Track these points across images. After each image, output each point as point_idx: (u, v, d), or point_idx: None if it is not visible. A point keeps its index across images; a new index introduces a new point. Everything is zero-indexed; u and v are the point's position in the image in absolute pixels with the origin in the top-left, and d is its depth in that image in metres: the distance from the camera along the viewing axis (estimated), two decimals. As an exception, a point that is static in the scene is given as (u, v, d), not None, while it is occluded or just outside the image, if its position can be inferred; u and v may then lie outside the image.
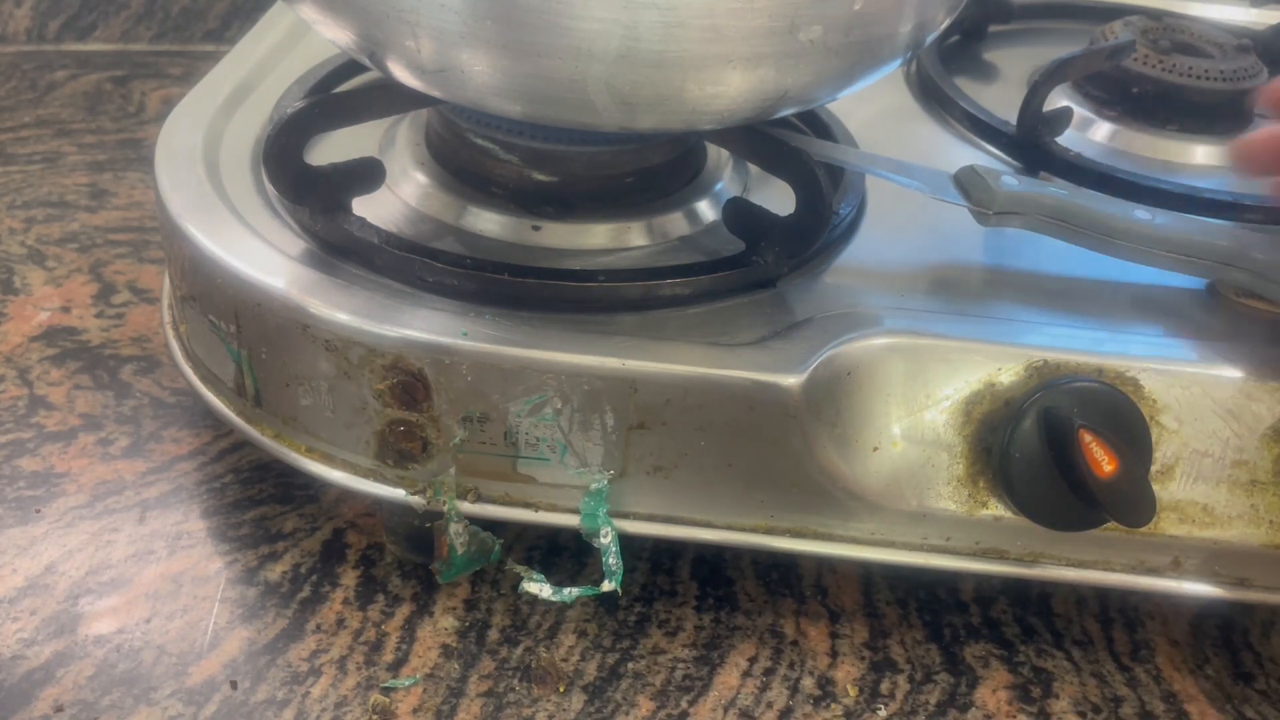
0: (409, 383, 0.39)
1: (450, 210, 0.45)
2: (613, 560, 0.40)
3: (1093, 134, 0.57)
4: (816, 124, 0.51)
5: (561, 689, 0.41)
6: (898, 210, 0.48)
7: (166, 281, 0.49)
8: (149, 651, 0.41)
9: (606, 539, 0.40)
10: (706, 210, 0.47)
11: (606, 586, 0.40)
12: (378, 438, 0.40)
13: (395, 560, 0.45)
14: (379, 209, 0.44)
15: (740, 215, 0.44)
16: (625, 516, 0.41)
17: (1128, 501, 0.38)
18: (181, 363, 0.46)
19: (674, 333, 0.40)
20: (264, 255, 0.41)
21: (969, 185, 0.44)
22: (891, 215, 0.48)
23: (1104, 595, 0.47)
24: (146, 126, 0.72)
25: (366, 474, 0.41)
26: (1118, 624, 0.46)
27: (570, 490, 0.41)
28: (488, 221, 0.45)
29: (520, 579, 0.43)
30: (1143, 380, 0.40)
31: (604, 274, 0.41)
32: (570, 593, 0.42)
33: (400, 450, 0.40)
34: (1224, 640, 0.46)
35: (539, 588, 0.42)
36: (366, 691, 0.40)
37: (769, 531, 0.41)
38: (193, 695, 0.39)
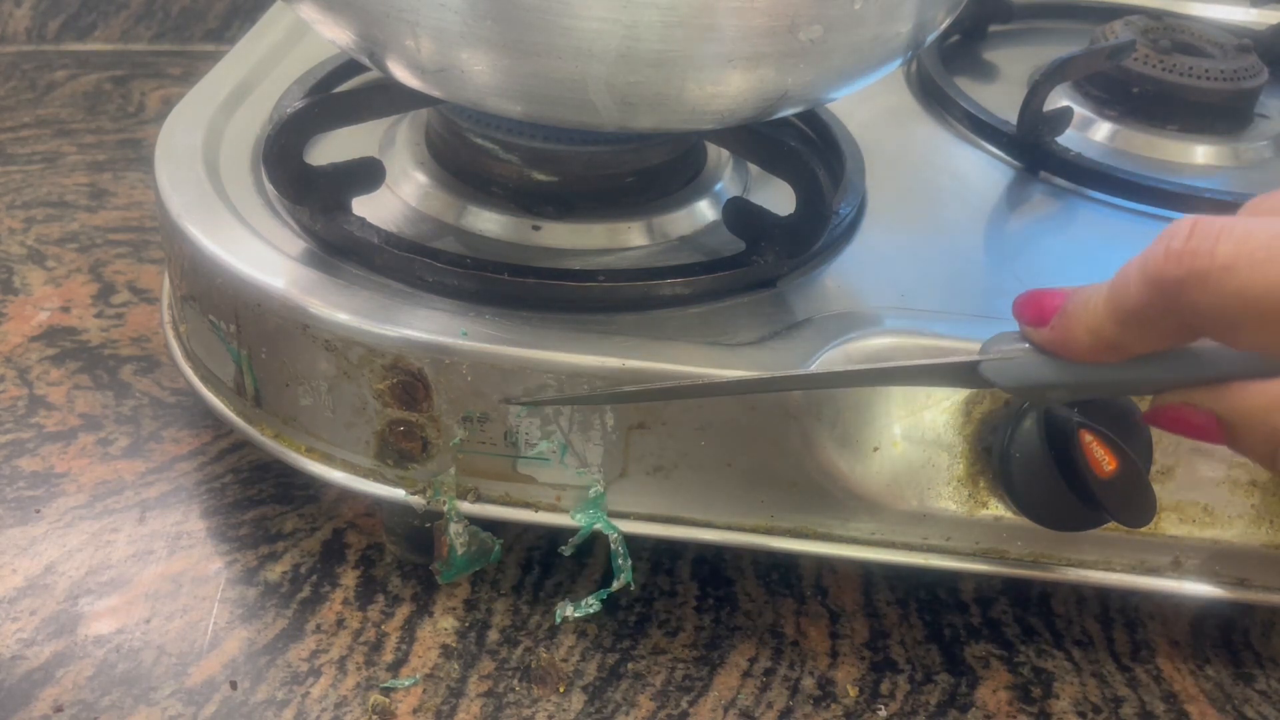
0: (409, 383, 0.39)
1: (450, 210, 0.45)
2: (621, 560, 0.40)
3: (1093, 134, 0.57)
4: (816, 124, 0.51)
5: (561, 689, 0.41)
6: (898, 210, 0.48)
7: (166, 281, 0.49)
8: (149, 651, 0.41)
9: (615, 544, 0.40)
10: (706, 210, 0.47)
11: (618, 584, 0.40)
12: (378, 438, 0.40)
13: (395, 560, 0.45)
14: (379, 209, 0.44)
15: (740, 215, 0.44)
16: (625, 517, 0.41)
17: (1128, 501, 0.38)
18: (181, 363, 0.46)
19: (674, 333, 0.40)
20: (264, 255, 0.41)
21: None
22: (891, 215, 0.48)
23: (1104, 595, 0.47)
24: (146, 126, 0.72)
25: (366, 474, 0.41)
26: (1118, 624, 0.46)
27: (570, 490, 0.41)
28: (488, 221, 0.45)
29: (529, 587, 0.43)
30: (1143, 380, 0.40)
31: (604, 274, 0.41)
32: (590, 603, 0.42)
33: (400, 450, 0.40)
34: (1224, 640, 0.46)
35: (568, 609, 0.42)
36: (366, 691, 0.40)
37: (769, 531, 0.41)
38: (193, 695, 0.39)
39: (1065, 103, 0.56)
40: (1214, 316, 0.27)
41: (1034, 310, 0.32)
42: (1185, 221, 0.27)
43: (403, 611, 0.43)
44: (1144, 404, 0.32)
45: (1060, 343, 0.31)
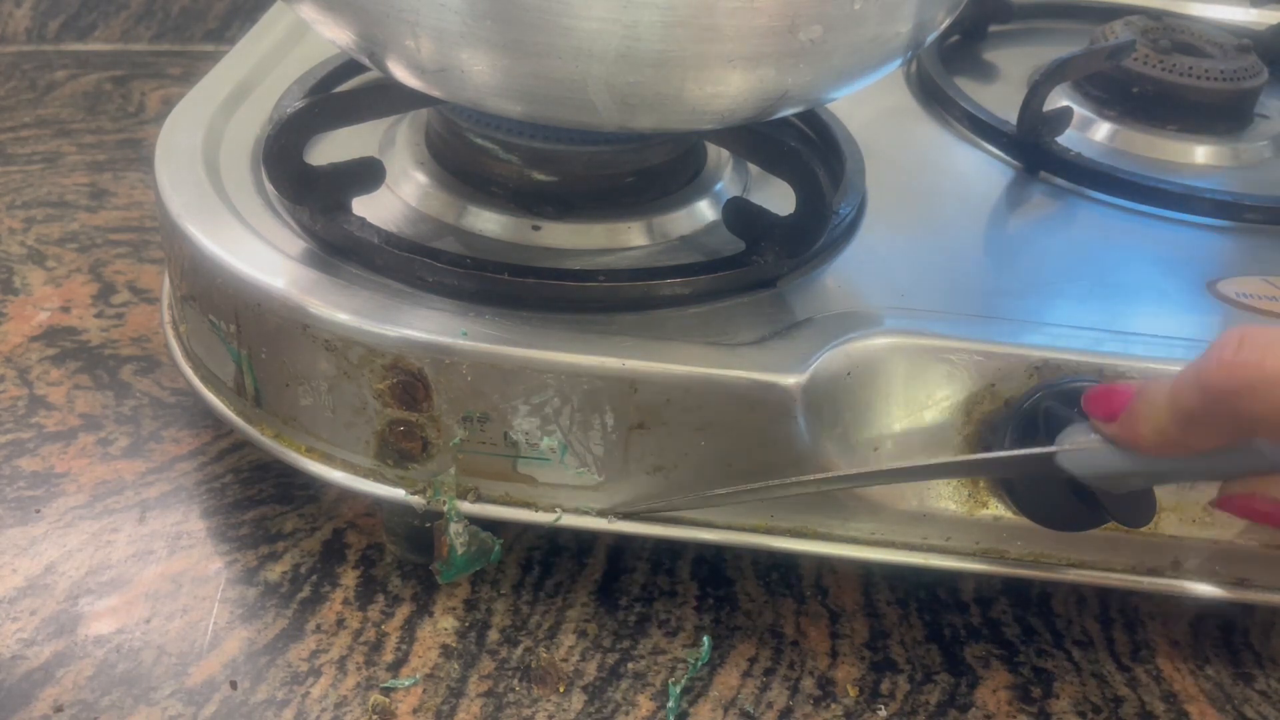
0: (409, 383, 0.39)
1: (450, 210, 0.45)
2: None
3: (1093, 134, 0.57)
4: (816, 124, 0.51)
5: (561, 689, 0.41)
6: (898, 210, 0.48)
7: (166, 281, 0.49)
8: (149, 651, 0.41)
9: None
10: (706, 210, 0.47)
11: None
12: (378, 438, 0.40)
13: (395, 560, 0.45)
14: (379, 209, 0.44)
15: (740, 215, 0.44)
16: (625, 517, 0.41)
17: (1128, 502, 0.38)
18: (181, 363, 0.46)
19: (674, 333, 0.40)
20: (264, 255, 0.41)
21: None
22: (891, 215, 0.48)
23: (1104, 595, 0.47)
24: (146, 126, 0.72)
25: (366, 474, 0.41)
26: (1118, 624, 0.46)
27: (570, 490, 0.41)
28: (488, 221, 0.45)
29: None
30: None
31: (604, 274, 0.41)
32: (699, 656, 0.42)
33: (400, 450, 0.40)
34: (1224, 640, 0.46)
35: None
36: (366, 691, 0.40)
37: (769, 531, 0.41)
38: (193, 695, 0.39)
39: (1065, 103, 0.56)
40: (1265, 422, 0.29)
41: (1104, 406, 0.34)
42: (1235, 332, 0.29)
43: (403, 611, 0.43)
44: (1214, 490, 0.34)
45: (1129, 439, 0.33)
